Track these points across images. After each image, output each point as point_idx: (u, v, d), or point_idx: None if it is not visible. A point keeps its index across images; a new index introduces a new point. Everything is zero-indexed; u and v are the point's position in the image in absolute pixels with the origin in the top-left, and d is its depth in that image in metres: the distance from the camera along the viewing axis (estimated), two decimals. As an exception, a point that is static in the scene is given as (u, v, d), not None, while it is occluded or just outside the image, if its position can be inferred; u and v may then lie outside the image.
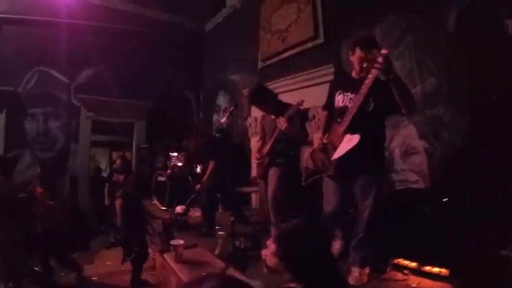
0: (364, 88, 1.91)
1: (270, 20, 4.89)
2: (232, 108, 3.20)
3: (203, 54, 7.46)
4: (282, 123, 2.57)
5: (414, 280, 2.15)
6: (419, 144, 2.98)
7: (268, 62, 5.02)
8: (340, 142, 2.06)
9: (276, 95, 3.02)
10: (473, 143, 2.51)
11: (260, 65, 5.27)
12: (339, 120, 2.12)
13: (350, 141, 1.98)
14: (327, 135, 2.28)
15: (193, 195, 5.02)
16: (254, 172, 4.09)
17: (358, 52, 2.06)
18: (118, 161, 5.54)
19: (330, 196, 2.27)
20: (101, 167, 6.79)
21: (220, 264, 2.44)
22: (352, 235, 2.21)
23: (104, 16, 6.11)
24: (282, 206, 2.75)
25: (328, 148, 2.21)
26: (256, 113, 5.41)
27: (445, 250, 2.23)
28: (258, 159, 3.02)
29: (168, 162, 5.70)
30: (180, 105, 7.30)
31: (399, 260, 2.36)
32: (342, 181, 2.19)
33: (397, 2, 3.13)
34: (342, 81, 2.32)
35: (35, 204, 3.36)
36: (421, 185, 2.95)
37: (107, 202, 5.43)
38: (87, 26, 5.87)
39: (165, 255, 2.69)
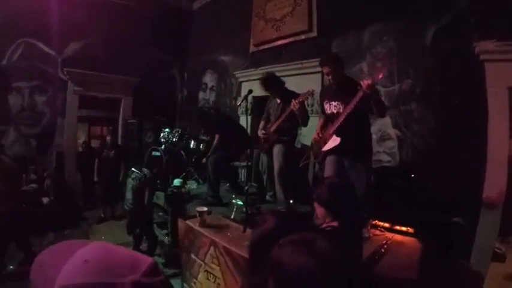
0: (351, 105, 2.53)
1: (264, 7, 5.21)
2: (246, 94, 3.59)
3: (190, 32, 7.53)
4: (296, 104, 3.08)
5: (388, 235, 2.87)
6: (392, 132, 3.71)
7: (261, 48, 5.38)
8: (329, 140, 2.76)
9: (284, 82, 3.50)
10: (436, 134, 3.27)
11: (252, 49, 5.61)
12: (330, 123, 2.80)
13: (334, 141, 2.71)
14: (322, 131, 2.93)
15: (188, 169, 5.44)
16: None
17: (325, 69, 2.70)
18: (109, 137, 5.66)
19: (327, 170, 2.89)
20: (79, 141, 6.79)
21: (237, 226, 2.98)
22: None
23: (93, -13, 5.92)
24: (286, 176, 3.35)
25: (321, 141, 2.89)
26: (245, 93, 5.81)
27: (410, 214, 2.99)
28: (264, 135, 3.52)
29: (160, 138, 5.91)
30: (166, 82, 7.42)
31: (376, 221, 3.10)
32: (336, 160, 2.82)
33: (387, 10, 3.70)
34: (326, 92, 2.95)
35: None
36: (392, 164, 3.70)
37: (96, 178, 5.61)
38: (75, -3, 5.66)
39: (188, 222, 3.14)
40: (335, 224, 1.68)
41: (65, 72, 6.03)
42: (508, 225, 2.81)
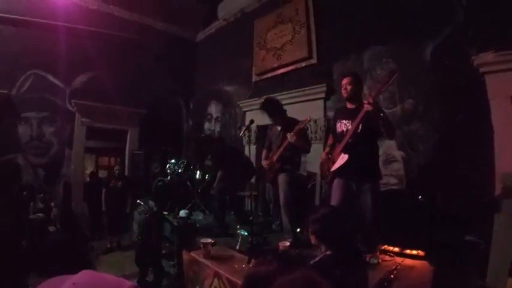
0: (356, 120, 2.56)
1: (265, 37, 5.39)
2: (248, 124, 3.60)
3: (194, 63, 7.76)
4: (291, 137, 3.10)
5: (398, 260, 2.75)
6: (398, 153, 3.67)
7: (263, 77, 5.51)
8: (338, 158, 2.74)
9: (285, 110, 3.52)
10: (442, 151, 3.23)
11: (255, 78, 5.74)
12: (338, 142, 2.79)
13: (342, 159, 2.68)
14: (332, 151, 2.91)
15: (194, 200, 5.38)
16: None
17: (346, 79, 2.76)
18: (117, 167, 5.74)
19: (334, 195, 2.84)
20: (86, 171, 6.85)
21: (242, 257, 2.90)
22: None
23: (100, 21, 6.20)
24: (292, 205, 3.29)
25: (329, 161, 2.87)
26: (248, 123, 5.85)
27: (421, 236, 2.88)
28: (267, 165, 3.50)
29: (166, 169, 5.87)
30: (171, 112, 7.55)
31: (385, 246, 2.98)
32: (344, 185, 2.78)
33: (384, 32, 3.79)
34: (340, 112, 2.97)
35: None
36: (399, 187, 3.62)
37: (104, 208, 5.59)
38: (84, 31, 5.91)
39: (192, 253, 3.08)
40: (329, 252, 1.65)
41: (73, 104, 6.17)
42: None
